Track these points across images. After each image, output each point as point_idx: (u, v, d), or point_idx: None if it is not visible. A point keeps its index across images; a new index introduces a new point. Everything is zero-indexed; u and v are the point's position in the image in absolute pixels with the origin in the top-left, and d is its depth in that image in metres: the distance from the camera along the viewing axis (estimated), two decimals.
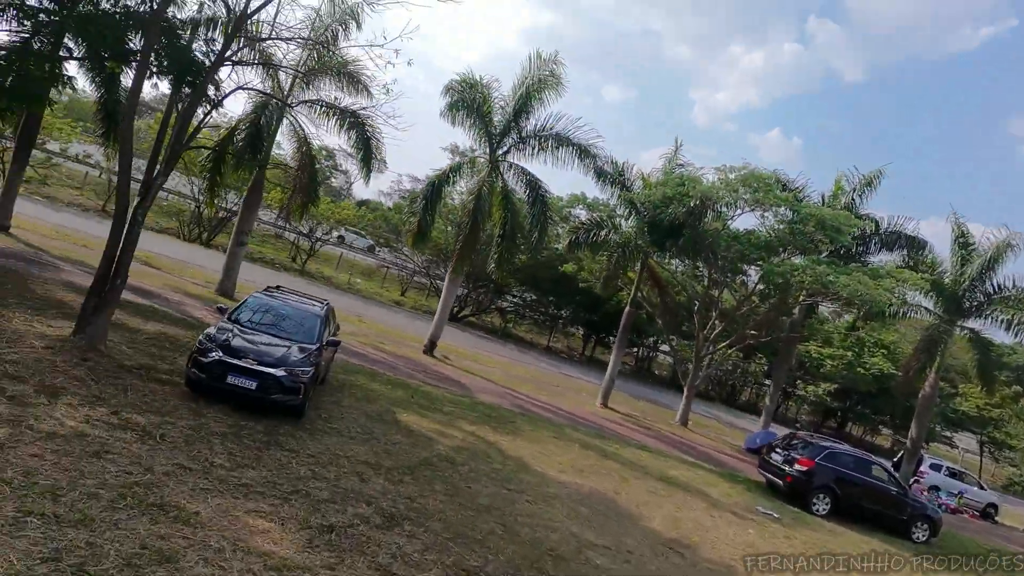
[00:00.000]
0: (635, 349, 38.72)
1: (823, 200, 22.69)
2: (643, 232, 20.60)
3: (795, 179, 22.33)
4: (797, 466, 15.30)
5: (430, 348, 19.59)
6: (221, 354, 8.94)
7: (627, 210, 21.31)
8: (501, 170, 20.17)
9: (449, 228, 31.00)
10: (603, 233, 21.99)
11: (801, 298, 21.45)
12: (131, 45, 12.66)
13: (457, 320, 32.23)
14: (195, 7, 15.23)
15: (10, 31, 13.25)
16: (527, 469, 11.16)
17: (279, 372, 9.08)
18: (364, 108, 15.63)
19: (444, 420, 12.64)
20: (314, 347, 10.01)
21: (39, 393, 7.52)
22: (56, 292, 12.39)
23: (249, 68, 14.24)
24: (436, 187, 19.72)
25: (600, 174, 20.66)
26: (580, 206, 23.38)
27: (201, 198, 30.06)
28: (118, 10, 12.79)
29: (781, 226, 20.33)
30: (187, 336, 12.22)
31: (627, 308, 21.79)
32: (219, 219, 31.30)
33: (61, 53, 11.99)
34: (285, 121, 18.46)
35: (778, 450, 16.43)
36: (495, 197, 19.87)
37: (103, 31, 11.93)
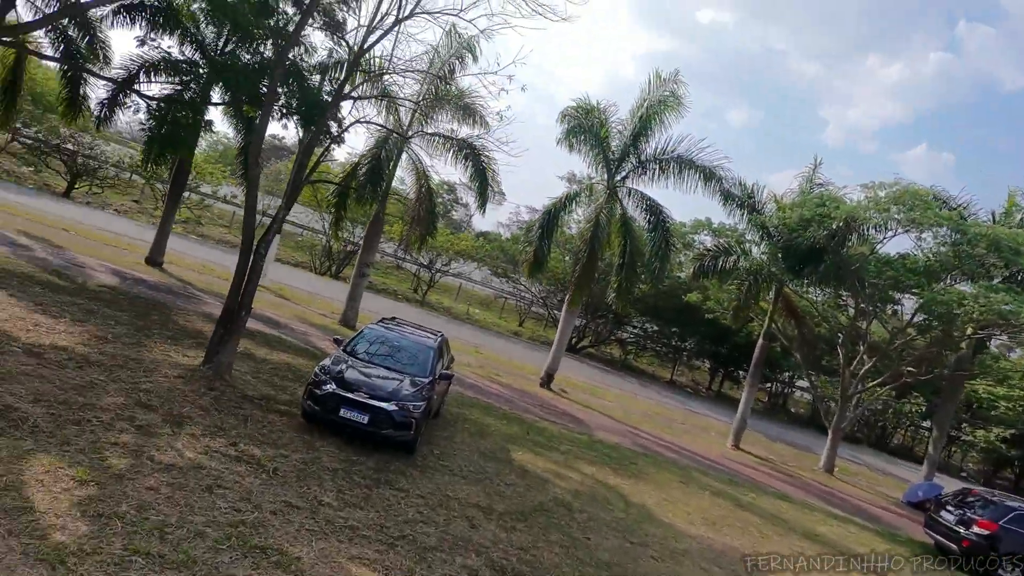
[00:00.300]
0: (768, 384, 35.87)
1: (993, 218, 19.82)
2: (777, 258, 18.92)
3: (957, 196, 19.71)
4: (976, 528, 12.97)
5: (547, 381, 18.97)
6: (335, 386, 8.84)
7: (758, 235, 19.73)
8: (619, 196, 19.42)
9: (566, 258, 30.52)
10: (731, 260, 20.48)
11: (970, 331, 18.67)
12: (264, 89, 13.42)
13: (575, 351, 31.44)
14: (324, 52, 16.15)
15: (165, 82, 14.53)
16: (652, 519, 10.13)
17: (391, 406, 8.83)
18: (479, 135, 15.59)
19: (561, 460, 11.91)
20: (427, 380, 9.71)
21: (165, 422, 7.69)
22: (195, 322, 13.12)
23: (369, 103, 14.67)
24: (552, 215, 19.31)
25: (727, 197, 19.31)
26: (705, 232, 21.98)
27: (330, 233, 31.75)
28: (254, 59, 13.69)
29: (943, 248, 17.89)
30: (308, 366, 12.43)
31: (760, 340, 20.03)
32: (347, 252, 32.82)
33: (205, 101, 12.90)
34: (404, 155, 18.90)
35: (949, 507, 14.08)
36: (614, 224, 19.11)
37: (239, 78, 12.73)
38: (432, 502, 8.01)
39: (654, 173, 19.16)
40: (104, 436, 6.78)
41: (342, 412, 8.72)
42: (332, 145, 10.77)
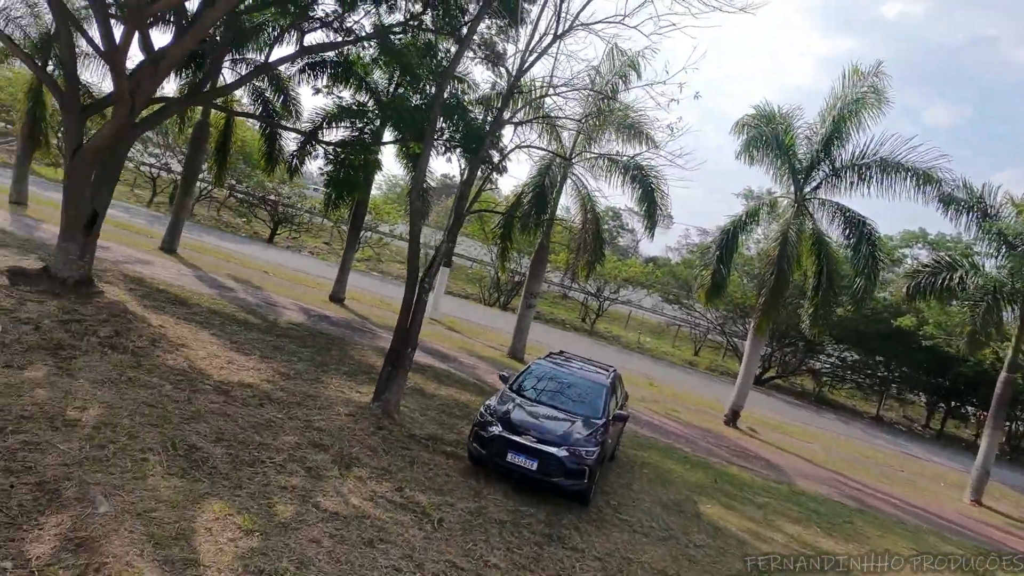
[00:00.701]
0: (1008, 424, 29.87)
1: None
2: (1022, 272, 15.48)
3: None
4: None
5: (732, 418, 17.06)
6: (501, 429, 8.21)
7: (993, 245, 16.35)
8: (810, 209, 17.19)
9: (744, 281, 28.04)
10: (955, 276, 17.16)
11: None
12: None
13: (760, 383, 28.56)
14: (487, 86, 16.20)
15: (344, 127, 15.34)
16: None
17: (561, 452, 8.00)
18: (648, 152, 14.58)
19: (758, 515, 10.25)
20: (600, 422, 8.76)
21: (335, 463, 7.51)
22: (369, 357, 13.38)
23: (531, 129, 14.31)
24: (731, 235, 17.56)
25: (948, 202, 16.28)
26: (918, 244, 18.80)
27: (497, 264, 32.18)
28: (421, 98, 13.96)
29: None
30: (476, 402, 12.05)
31: (1003, 373, 16.43)
32: (514, 283, 33.03)
33: (376, 142, 13.37)
34: (568, 181, 18.35)
35: None
36: (804, 242, 16.90)
37: (404, 116, 12.98)
38: (611, 567, 6.99)
39: (851, 181, 16.73)
40: (275, 479, 6.68)
41: (509, 457, 8.05)
42: (494, 174, 10.43)
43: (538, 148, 14.46)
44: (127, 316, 10.30)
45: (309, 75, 17.35)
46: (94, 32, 11.28)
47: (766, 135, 16.70)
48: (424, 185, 9.76)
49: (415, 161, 18.33)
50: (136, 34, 10.47)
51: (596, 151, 17.30)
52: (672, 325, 35.79)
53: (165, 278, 15.49)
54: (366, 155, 13.07)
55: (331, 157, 13.08)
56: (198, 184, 37.86)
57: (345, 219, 30.90)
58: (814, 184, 17.32)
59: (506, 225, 17.89)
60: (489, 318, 26.40)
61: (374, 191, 26.71)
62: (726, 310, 30.12)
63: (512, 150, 10.34)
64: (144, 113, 12.04)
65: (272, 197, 36.11)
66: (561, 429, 8.33)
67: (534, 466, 7.97)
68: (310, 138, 16.84)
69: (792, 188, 17.24)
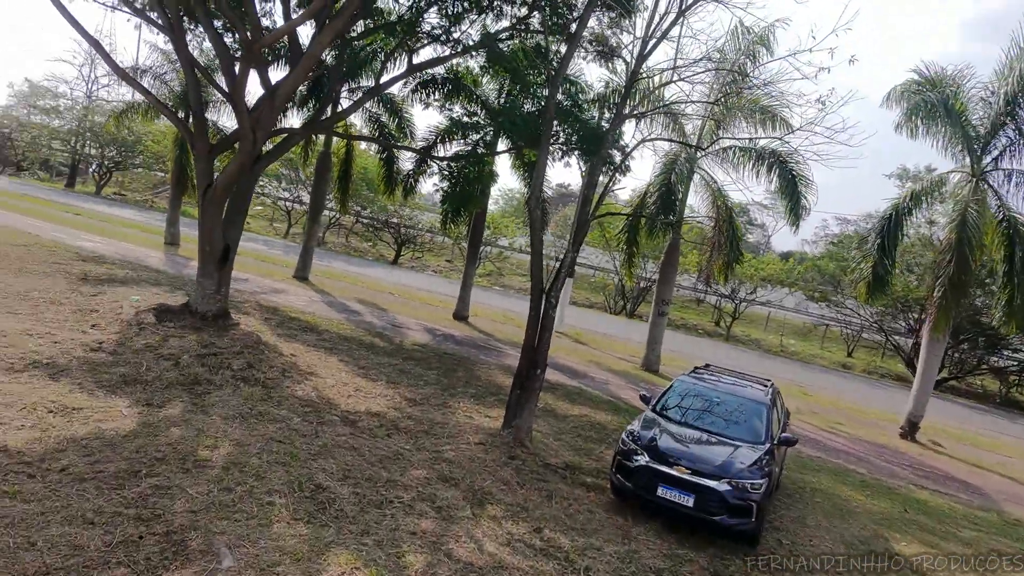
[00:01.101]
0: None
1: None
2: None
3: None
4: None
5: (911, 431, 14.76)
6: (648, 458, 7.21)
7: None
8: (993, 184, 14.64)
9: (904, 272, 24.85)
10: None
11: None
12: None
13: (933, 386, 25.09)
14: (601, 86, 15.28)
15: (458, 140, 15.04)
16: None
17: (722, 486, 6.86)
18: (801, 130, 12.92)
19: (968, 554, 8.42)
20: (764, 448, 7.52)
21: (466, 501, 6.87)
22: (496, 377, 12.82)
23: (655, 123, 13.22)
24: (892, 221, 15.29)
25: None
26: None
27: (621, 271, 30.92)
28: (533, 104, 13.30)
29: None
30: (613, 423, 11.08)
31: None
32: (640, 289, 31.62)
33: (489, 152, 12.86)
34: (696, 177, 16.93)
35: None
36: (987, 222, 14.37)
37: (517, 123, 12.36)
38: None
39: None
40: (404, 521, 6.12)
41: (660, 491, 7.03)
42: (616, 175, 9.50)
43: (663, 140, 13.33)
44: (260, 347, 10.39)
45: (421, 94, 17.32)
46: (219, 79, 11.74)
47: (931, 102, 14.40)
48: (542, 194, 9.01)
49: (531, 171, 17.77)
50: (254, 71, 10.68)
51: (727, 139, 15.79)
52: (819, 325, 32.62)
53: (297, 305, 15.91)
54: (480, 167, 12.63)
55: (446, 173, 12.77)
56: (326, 213, 40.01)
57: (464, 235, 31.11)
58: (994, 154, 14.75)
59: (631, 229, 16.77)
60: (616, 328, 25.23)
61: (491, 206, 26.56)
62: (883, 305, 26.88)
63: (636, 146, 9.36)
64: (269, 147, 12.35)
65: (394, 220, 37.19)
66: (719, 458, 7.18)
67: (690, 502, 6.90)
68: (425, 155, 16.72)
69: (967, 160, 14.76)
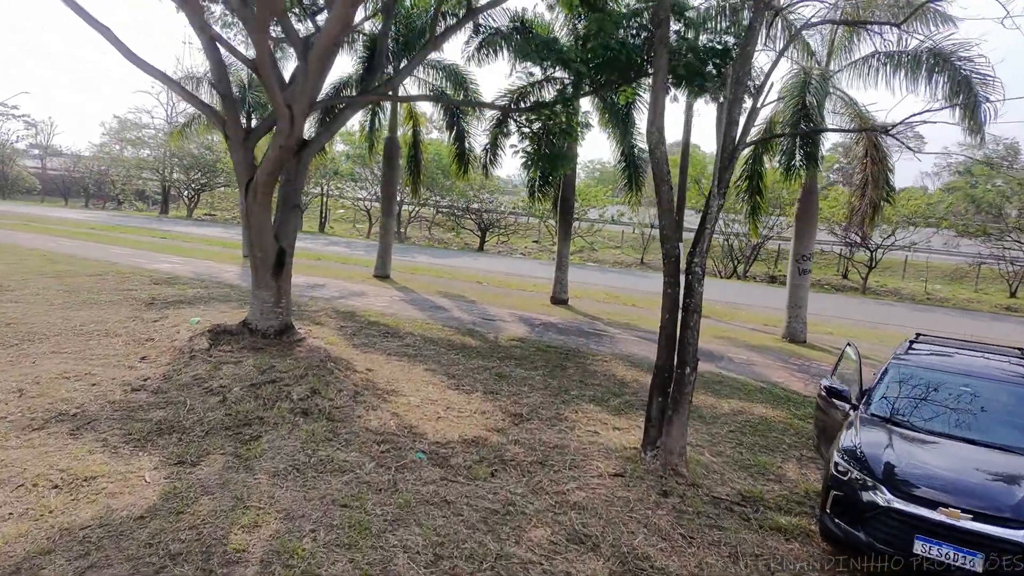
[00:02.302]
0: None
1: None
2: None
3: None
4: None
5: None
6: (889, 494, 4.67)
7: None
8: None
9: None
10: None
11: None
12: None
13: None
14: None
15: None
16: None
17: None
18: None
19: None
20: None
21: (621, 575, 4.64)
22: (614, 369, 10.47)
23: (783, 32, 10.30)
24: None
25: None
26: None
27: (731, 229, 27.58)
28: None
29: None
30: (778, 419, 8.50)
31: None
32: (752, 247, 28.18)
33: (576, 95, 10.41)
34: (829, 104, 13.68)
35: None
36: None
37: (611, 57, 9.85)
38: None
39: None
40: None
41: (919, 547, 4.49)
42: (760, 99, 6.75)
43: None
44: (328, 366, 8.58)
45: (487, 53, 15.10)
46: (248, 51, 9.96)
47: None
48: (663, 122, 6.43)
49: (621, 122, 15.17)
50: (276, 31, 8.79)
51: (864, 49, 12.50)
52: (972, 264, 27.88)
53: (377, 308, 14.20)
54: (568, 117, 10.26)
55: (527, 131, 10.51)
56: (407, 208, 38.81)
57: (552, 211, 28.90)
58: None
59: (752, 175, 13.83)
60: (733, 293, 22.13)
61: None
62: None
63: (777, 60, 6.57)
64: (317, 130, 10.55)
65: (475, 205, 35.43)
66: (1015, 489, 4.54)
67: (976, 565, 4.32)
68: (500, 110, 14.41)
69: None
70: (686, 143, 18.42)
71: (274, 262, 9.54)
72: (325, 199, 40.27)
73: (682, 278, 6.29)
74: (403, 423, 7.16)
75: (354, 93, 16.30)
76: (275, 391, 7.44)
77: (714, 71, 8.23)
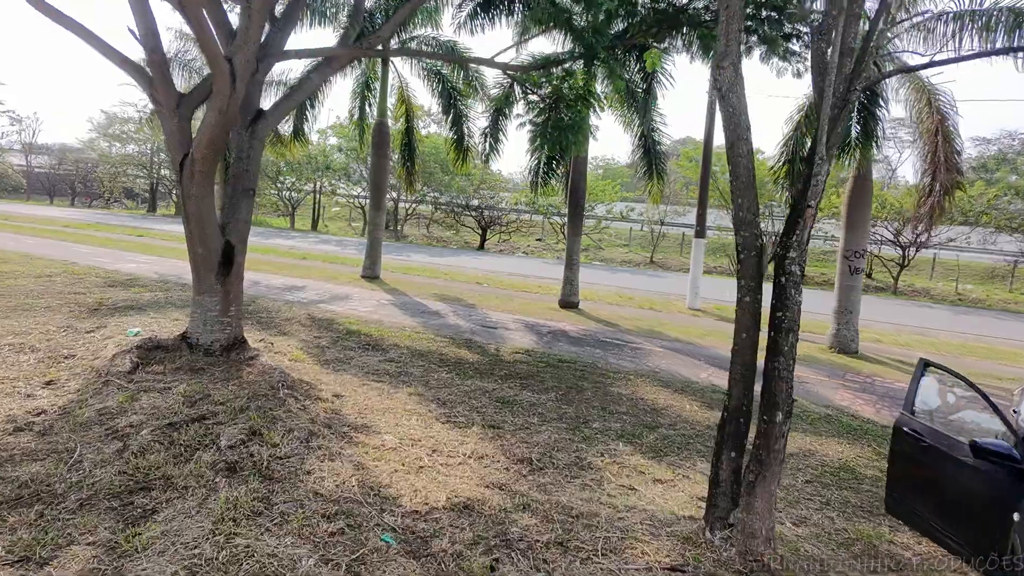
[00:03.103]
0: None
1: None
2: None
3: None
4: None
5: None
6: None
7: None
8: None
9: None
10: None
11: None
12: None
13: None
14: None
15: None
16: None
17: None
18: None
19: None
20: None
21: None
22: (641, 390, 8.53)
23: None
24: None
25: None
26: None
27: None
28: None
29: None
30: (860, 460, 6.56)
31: None
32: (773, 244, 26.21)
33: (591, 57, 8.46)
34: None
35: None
36: None
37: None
38: None
39: None
40: None
41: None
42: (885, 17, 4.82)
43: None
44: (281, 394, 6.66)
45: (484, 18, 13.14)
46: None
47: None
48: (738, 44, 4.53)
49: (644, 98, 13.23)
50: None
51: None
52: (1008, 263, 25.89)
53: (360, 313, 12.29)
54: (586, 84, 8.33)
55: (535, 99, 8.62)
56: (403, 205, 36.84)
57: (559, 203, 27.03)
58: None
59: (794, 158, 11.88)
60: (764, 296, 20.15)
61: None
62: None
63: None
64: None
65: (475, 202, 33.55)
66: None
67: None
68: (512, 71, 12.41)
69: None
70: (709, 133, 16.52)
71: (220, 260, 7.62)
72: (318, 196, 38.36)
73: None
74: (369, 480, 5.22)
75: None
76: (199, 434, 5.51)
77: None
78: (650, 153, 14.63)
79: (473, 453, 6.04)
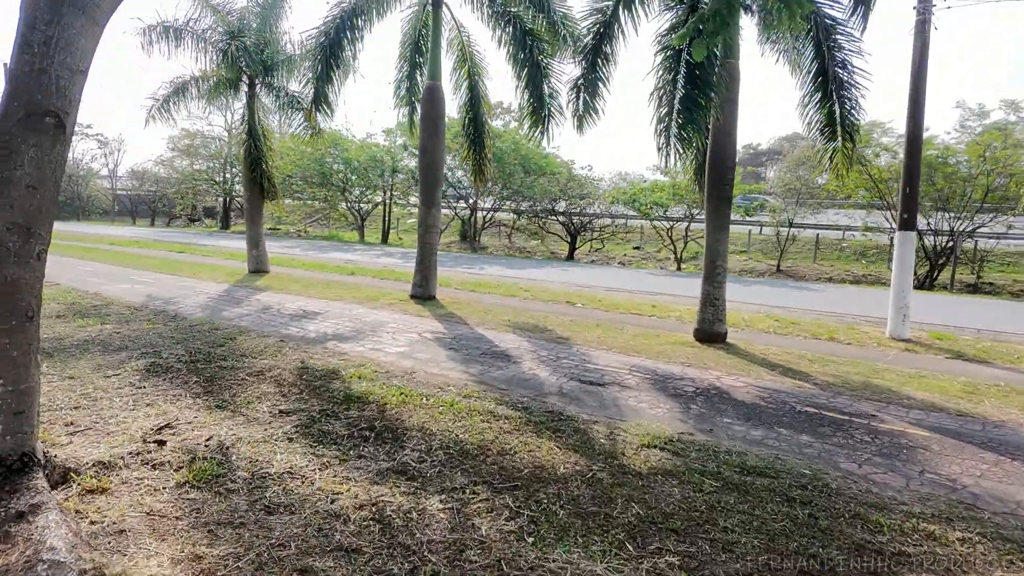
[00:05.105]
0: None
1: None
2: None
3: None
4: None
5: None
6: None
7: None
8: None
9: None
10: None
11: None
12: None
13: None
14: None
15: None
16: None
17: None
18: None
19: None
20: None
21: None
22: (963, 561, 3.40)
23: None
24: None
25: None
26: None
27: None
28: None
29: None
30: None
31: None
32: (944, 246, 19.98)
33: None
34: None
35: None
36: None
37: None
38: None
39: None
40: None
41: None
42: None
43: None
44: None
45: None
46: None
47: None
48: None
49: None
50: None
51: None
52: None
53: (385, 359, 7.77)
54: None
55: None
56: (481, 213, 32.66)
57: (660, 205, 22.12)
58: None
59: None
60: (935, 308, 14.10)
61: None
62: None
63: None
64: None
65: (562, 205, 28.88)
66: None
67: None
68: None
69: None
70: (918, 69, 10.89)
71: None
72: (387, 207, 34.87)
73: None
74: None
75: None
76: None
77: None
78: (831, 97, 9.40)
79: None
